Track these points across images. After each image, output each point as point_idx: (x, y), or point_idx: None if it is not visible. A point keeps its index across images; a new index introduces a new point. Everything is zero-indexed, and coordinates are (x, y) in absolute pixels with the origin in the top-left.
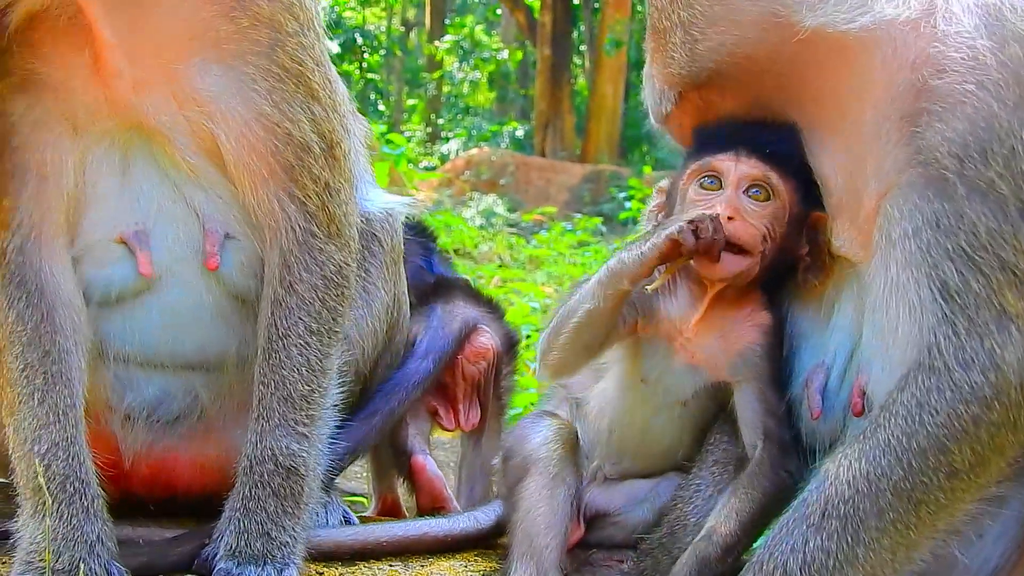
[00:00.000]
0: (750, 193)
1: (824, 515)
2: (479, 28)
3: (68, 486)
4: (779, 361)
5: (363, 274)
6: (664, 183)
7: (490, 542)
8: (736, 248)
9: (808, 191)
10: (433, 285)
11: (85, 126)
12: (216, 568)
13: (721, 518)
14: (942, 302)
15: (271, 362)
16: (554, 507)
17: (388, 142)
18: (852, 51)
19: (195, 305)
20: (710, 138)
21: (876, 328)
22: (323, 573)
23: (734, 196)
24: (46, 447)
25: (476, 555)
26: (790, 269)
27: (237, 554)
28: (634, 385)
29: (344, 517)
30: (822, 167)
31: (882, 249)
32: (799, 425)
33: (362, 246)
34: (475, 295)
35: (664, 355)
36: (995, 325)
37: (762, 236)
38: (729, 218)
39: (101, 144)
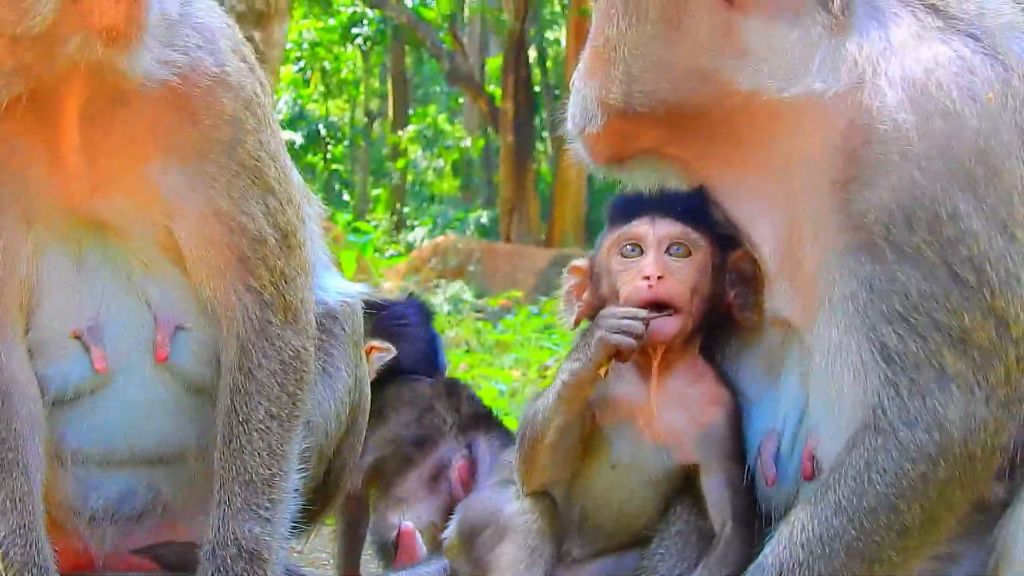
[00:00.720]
0: (672, 252)
1: None
2: (442, 117)
3: (27, 573)
4: (742, 437)
5: (324, 356)
6: (579, 262)
7: None
8: (667, 309)
9: (723, 243)
10: (472, 416)
11: (39, 219)
12: None
13: None
14: (883, 364)
15: (232, 447)
16: None
17: (355, 231)
18: (784, 116)
19: (151, 398)
20: (622, 210)
21: (822, 391)
22: None
23: (658, 257)
24: (3, 534)
25: None
26: (724, 319)
27: None
28: (606, 472)
29: None
30: (754, 229)
31: (824, 312)
32: (754, 491)
33: (323, 328)
34: (499, 424)
35: (631, 438)
36: (936, 384)
37: (690, 291)
38: (659, 277)
39: (55, 237)
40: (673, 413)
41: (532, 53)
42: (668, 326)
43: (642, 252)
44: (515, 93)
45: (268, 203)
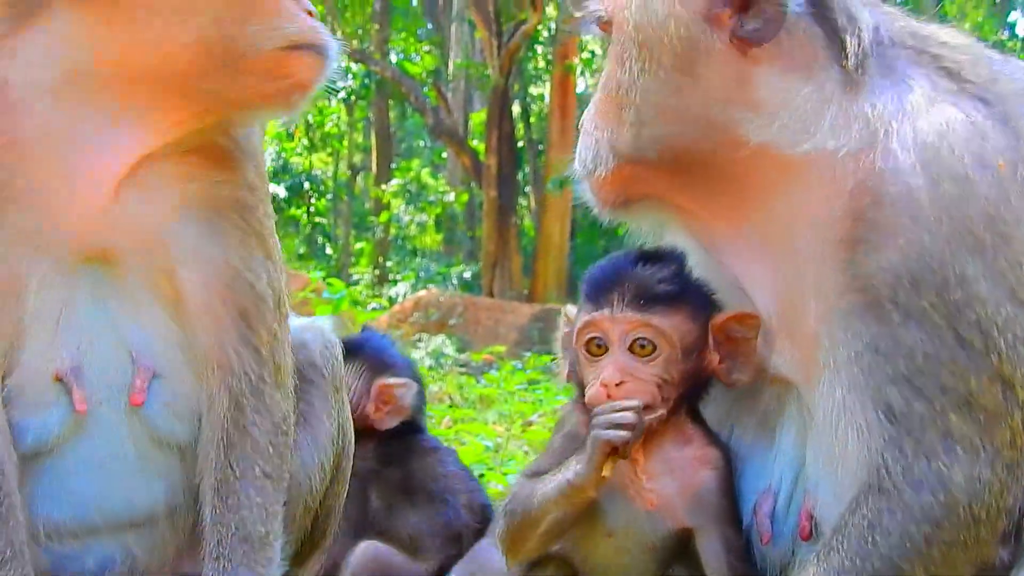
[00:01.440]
0: (636, 348)
1: None
2: (425, 171)
3: None
4: (735, 497)
5: (306, 407)
6: (571, 309)
7: None
8: None
9: (706, 305)
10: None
11: (47, 249)
12: None
13: None
14: (888, 424)
15: (228, 503)
16: None
17: (330, 285)
18: (792, 172)
19: (119, 452)
20: (591, 289)
21: (823, 450)
22: None
23: (620, 358)
24: None
25: None
26: (708, 382)
27: None
28: (602, 539)
29: None
30: (754, 286)
31: (828, 371)
32: (751, 551)
33: (303, 378)
34: None
35: (623, 506)
36: (941, 446)
37: (657, 387)
38: (617, 384)
39: (55, 271)
40: (662, 480)
41: (516, 108)
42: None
43: (606, 349)
44: (499, 148)
45: (268, 267)
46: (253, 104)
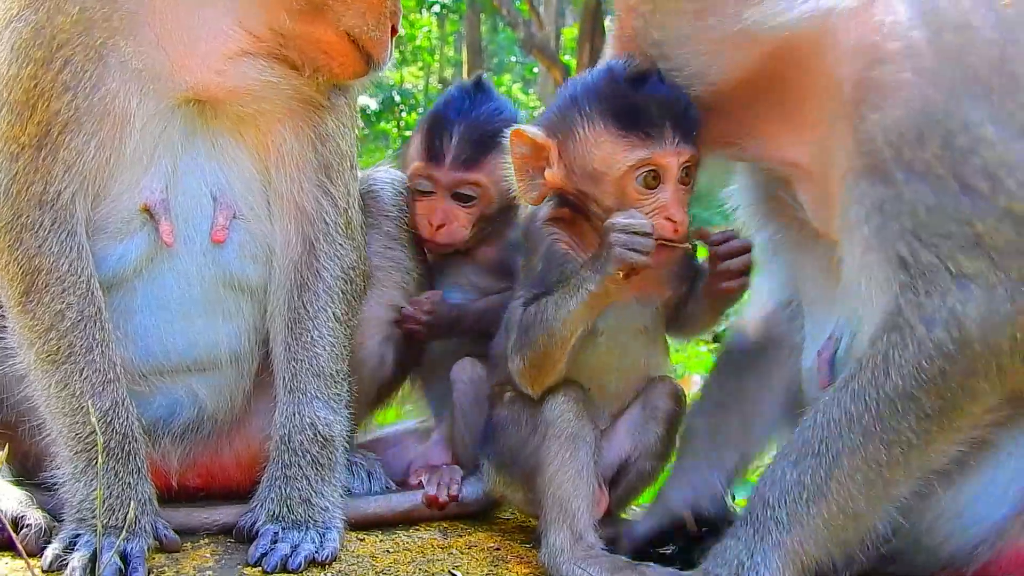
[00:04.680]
0: (683, 181)
1: (801, 454)
2: (516, 86)
3: (126, 446)
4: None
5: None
6: (532, 133)
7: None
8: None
9: None
10: None
11: (156, 91)
12: (262, 530)
13: None
14: (902, 273)
15: (302, 341)
16: (578, 467)
17: None
18: (804, 44)
19: (188, 292)
20: (636, 114)
21: (852, 306)
22: (363, 540)
23: (678, 194)
24: (109, 403)
25: (514, 527)
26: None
27: (280, 519)
28: (592, 341)
29: (386, 486)
30: (797, 164)
31: (846, 232)
32: (807, 396)
33: (370, 226)
34: None
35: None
36: (954, 284)
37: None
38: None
39: (156, 110)
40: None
41: (608, 23)
42: (665, 255)
43: (660, 181)
44: (590, 63)
45: (349, 134)
46: (306, 56)
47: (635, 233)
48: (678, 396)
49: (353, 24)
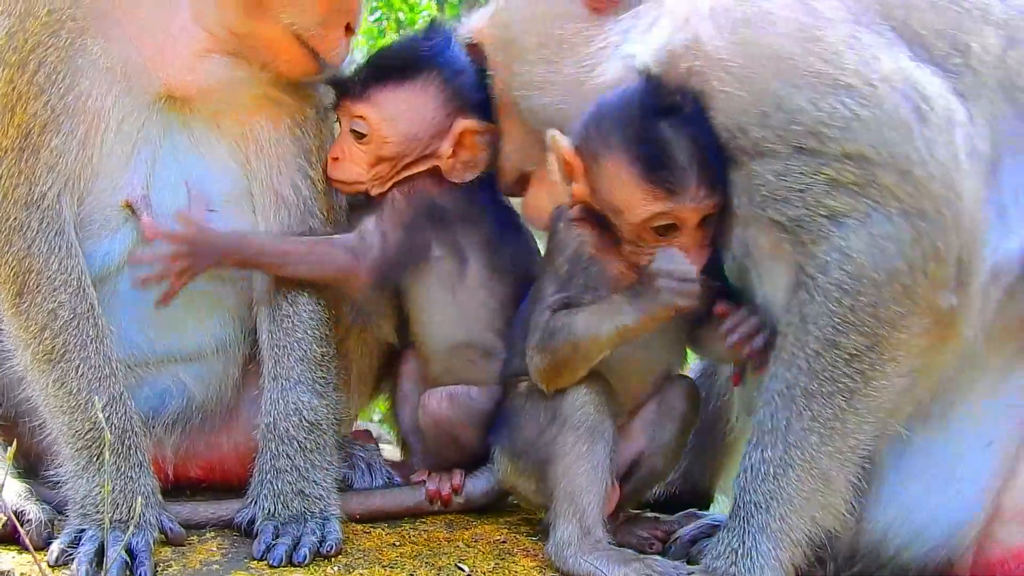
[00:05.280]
0: (700, 224)
1: (759, 435)
2: None
3: (126, 440)
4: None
5: None
6: (567, 149)
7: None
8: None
9: None
10: None
11: (132, 87)
12: (261, 527)
13: None
14: (782, 233)
15: (283, 327)
16: (594, 462)
17: None
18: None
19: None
20: (661, 164)
21: (765, 286)
22: (369, 533)
23: (696, 240)
24: (106, 399)
25: (519, 519)
26: None
27: (276, 515)
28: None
29: (388, 478)
30: None
31: (737, 213)
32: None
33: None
34: None
35: None
36: (832, 225)
37: None
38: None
39: (133, 106)
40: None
41: None
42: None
43: (679, 229)
44: None
45: (327, 122)
46: (257, 54)
47: (681, 279)
48: (695, 396)
49: (296, 22)
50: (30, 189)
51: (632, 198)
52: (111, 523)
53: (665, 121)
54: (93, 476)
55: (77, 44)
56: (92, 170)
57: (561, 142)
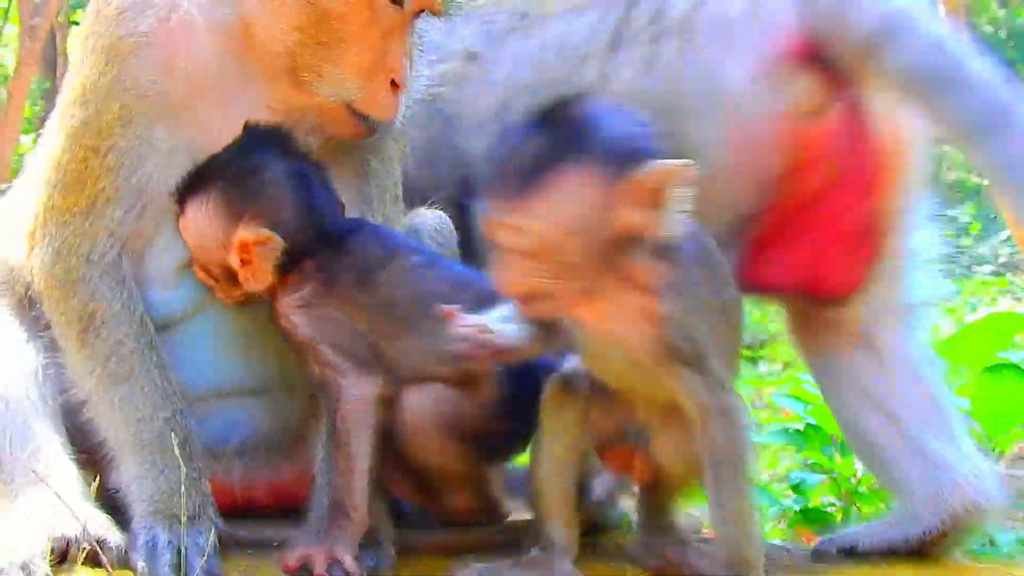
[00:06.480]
0: None
1: None
2: None
3: (187, 447)
4: None
5: None
6: None
7: None
8: None
9: None
10: None
11: (186, 164)
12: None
13: None
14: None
15: None
16: (560, 466)
17: None
18: None
19: (234, 327)
20: None
21: None
22: None
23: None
24: (170, 413)
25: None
26: None
27: None
28: (587, 357)
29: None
30: None
31: None
32: None
33: None
34: None
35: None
36: None
37: None
38: None
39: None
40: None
41: None
42: None
43: None
44: None
45: (393, 168)
46: (313, 123)
47: None
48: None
49: (336, 93)
50: (91, 248)
51: None
52: (174, 519)
53: None
54: (157, 476)
55: (144, 134)
56: (149, 237)
57: None
